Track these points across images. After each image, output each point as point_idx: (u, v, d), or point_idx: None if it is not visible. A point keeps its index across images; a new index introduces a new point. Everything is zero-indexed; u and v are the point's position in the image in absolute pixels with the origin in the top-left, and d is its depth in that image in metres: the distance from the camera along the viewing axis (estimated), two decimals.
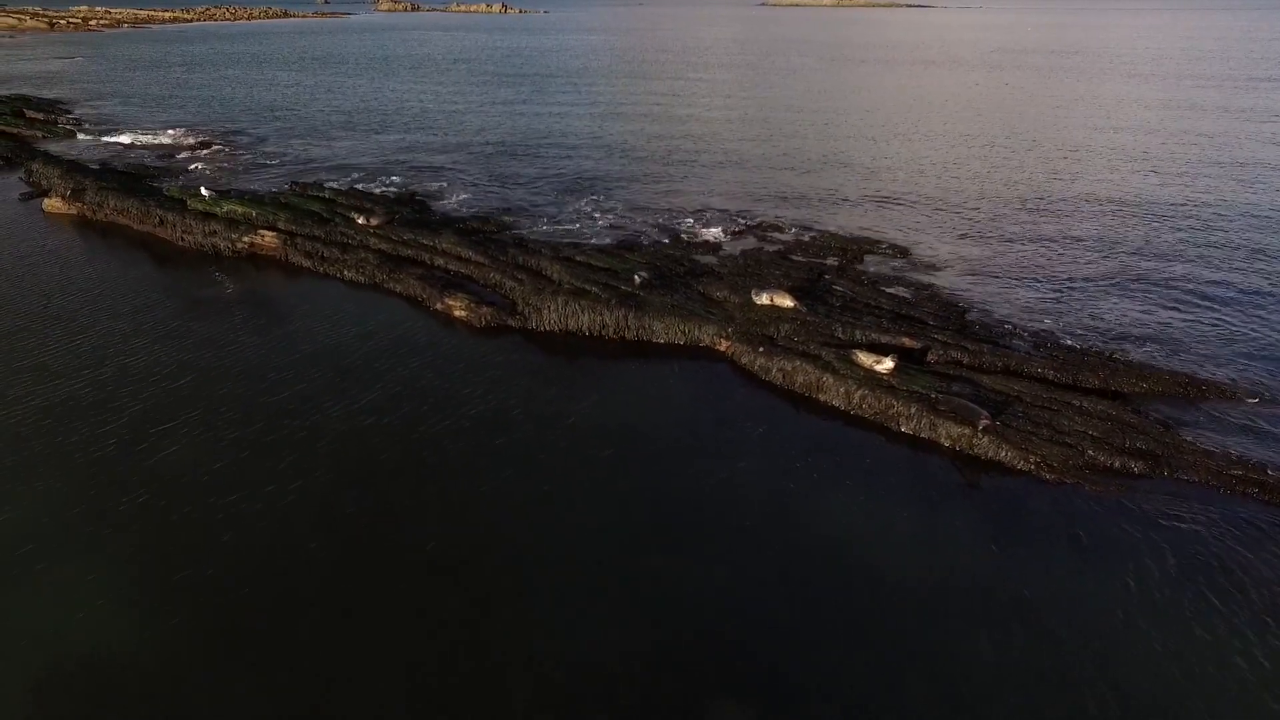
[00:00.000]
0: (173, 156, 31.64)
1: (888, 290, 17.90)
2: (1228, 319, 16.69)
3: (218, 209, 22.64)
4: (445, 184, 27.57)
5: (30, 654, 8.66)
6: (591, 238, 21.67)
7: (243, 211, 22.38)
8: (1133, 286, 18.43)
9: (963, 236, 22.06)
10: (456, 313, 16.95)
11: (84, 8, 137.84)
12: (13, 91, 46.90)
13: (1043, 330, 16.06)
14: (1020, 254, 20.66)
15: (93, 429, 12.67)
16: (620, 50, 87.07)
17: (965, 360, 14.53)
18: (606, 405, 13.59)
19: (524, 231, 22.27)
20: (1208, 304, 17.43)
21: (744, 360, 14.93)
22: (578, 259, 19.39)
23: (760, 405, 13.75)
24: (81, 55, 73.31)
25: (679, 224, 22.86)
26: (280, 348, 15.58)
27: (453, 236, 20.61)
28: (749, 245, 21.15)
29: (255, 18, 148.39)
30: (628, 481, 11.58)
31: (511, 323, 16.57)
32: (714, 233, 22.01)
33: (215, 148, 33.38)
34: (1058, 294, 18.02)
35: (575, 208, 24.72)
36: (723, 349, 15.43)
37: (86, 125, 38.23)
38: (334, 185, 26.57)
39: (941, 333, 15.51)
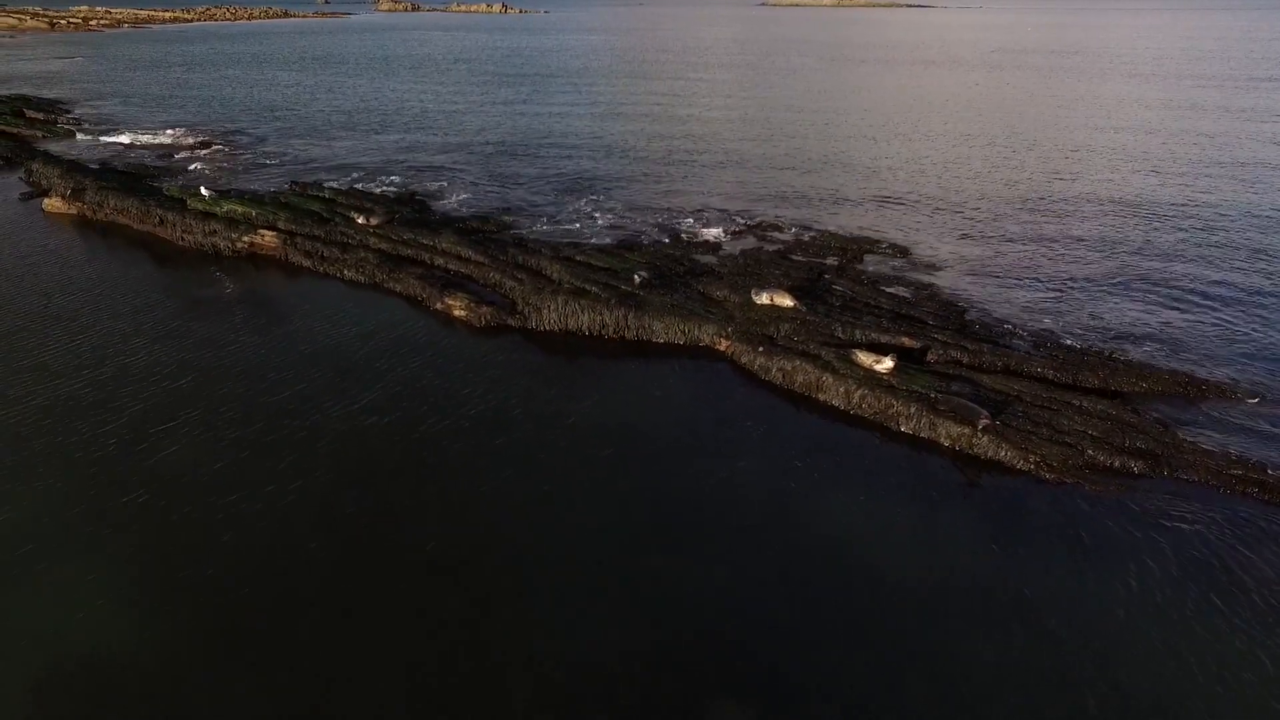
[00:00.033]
0: (172, 156, 31.64)
1: (887, 290, 17.90)
2: (1228, 319, 16.68)
3: (218, 209, 22.64)
4: (445, 184, 27.57)
5: (30, 654, 8.66)
6: (591, 237, 21.67)
7: (243, 211, 22.38)
8: (1133, 286, 18.43)
9: (963, 236, 22.06)
10: (456, 312, 16.95)
11: (84, 8, 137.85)
12: (13, 91, 46.90)
13: (1042, 330, 16.05)
14: (1020, 254, 20.66)
15: (93, 429, 12.67)
16: (620, 50, 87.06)
17: (965, 360, 14.53)
18: (606, 405, 13.59)
19: (524, 231, 22.27)
20: (1208, 304, 17.42)
21: (744, 360, 14.92)
22: (577, 258, 19.39)
23: (760, 405, 13.75)
24: (82, 55, 73.31)
25: (679, 223, 22.86)
26: (280, 347, 15.58)
27: (452, 236, 20.61)
28: (749, 245, 21.15)
29: (255, 18, 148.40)
30: (628, 481, 11.58)
31: (511, 322, 16.56)
32: (714, 232, 22.00)
33: (215, 147, 33.38)
34: (1057, 294, 18.02)
35: (575, 207, 24.72)
36: (722, 348, 15.43)
37: (86, 125, 38.23)
38: (334, 185, 26.58)
39: (941, 332, 15.51)
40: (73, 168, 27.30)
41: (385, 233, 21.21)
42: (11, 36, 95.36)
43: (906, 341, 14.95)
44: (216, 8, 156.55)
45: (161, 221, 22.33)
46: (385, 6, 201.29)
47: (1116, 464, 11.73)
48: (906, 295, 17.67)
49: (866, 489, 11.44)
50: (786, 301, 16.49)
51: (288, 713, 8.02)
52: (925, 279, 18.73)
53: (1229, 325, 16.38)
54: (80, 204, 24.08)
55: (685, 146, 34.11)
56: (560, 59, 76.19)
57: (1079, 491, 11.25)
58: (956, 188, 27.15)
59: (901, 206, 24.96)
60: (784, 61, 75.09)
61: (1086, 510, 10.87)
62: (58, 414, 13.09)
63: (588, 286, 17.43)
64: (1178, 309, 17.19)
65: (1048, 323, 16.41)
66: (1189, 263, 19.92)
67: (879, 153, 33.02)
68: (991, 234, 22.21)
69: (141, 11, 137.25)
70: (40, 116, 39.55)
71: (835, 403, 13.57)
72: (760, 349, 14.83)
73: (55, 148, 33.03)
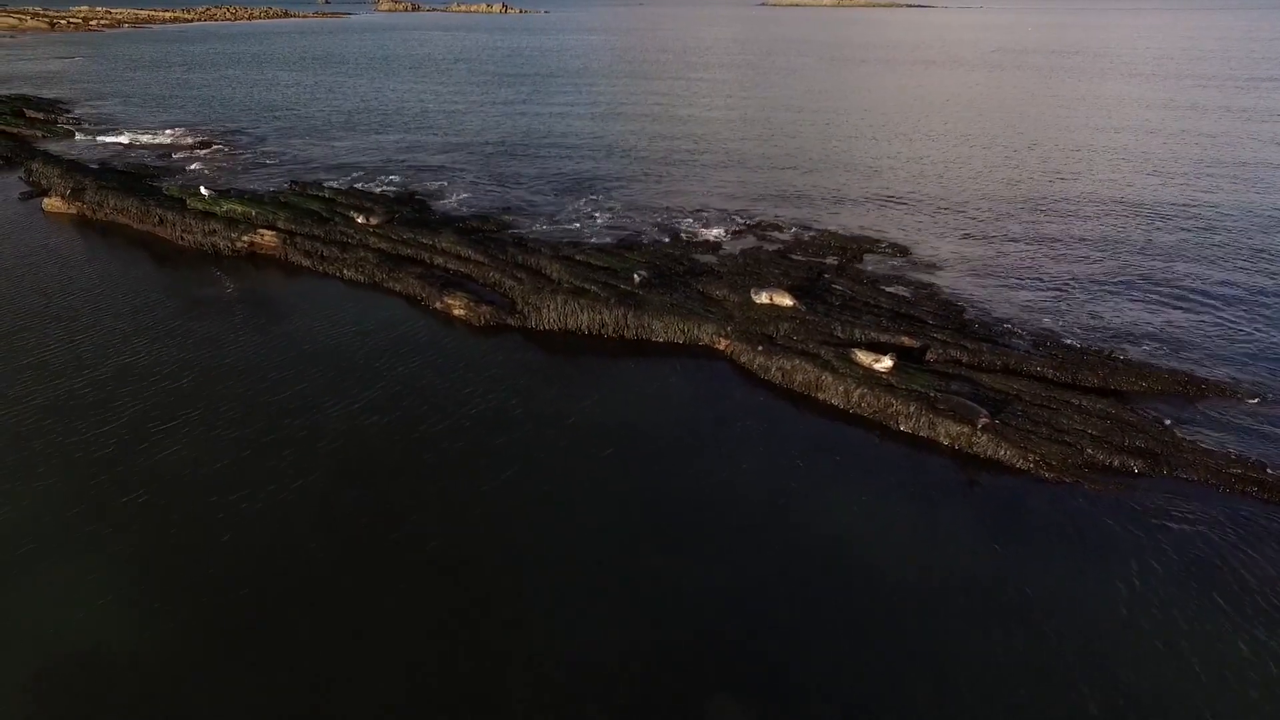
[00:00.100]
0: (172, 156, 31.64)
1: (887, 289, 17.90)
2: (1228, 318, 16.68)
3: (217, 208, 22.65)
4: (445, 183, 27.57)
5: (30, 653, 8.66)
6: (591, 237, 21.67)
7: (242, 211, 22.39)
8: (1133, 286, 18.43)
9: (963, 236, 22.05)
10: (456, 311, 16.95)
11: (84, 8, 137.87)
12: (13, 91, 46.91)
13: (1042, 329, 16.05)
14: (1020, 253, 20.65)
15: (93, 428, 12.67)
16: (620, 50, 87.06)
17: (964, 359, 14.53)
18: (606, 404, 13.60)
19: (523, 230, 22.27)
20: (1208, 303, 17.42)
21: (743, 359, 14.93)
22: (577, 258, 19.39)
23: (759, 404, 13.75)
24: (82, 55, 73.33)
25: (678, 223, 22.86)
26: (280, 347, 15.59)
27: (452, 235, 20.61)
28: (748, 244, 21.15)
29: (256, 18, 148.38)
30: (628, 481, 11.58)
31: (511, 322, 16.57)
32: (713, 232, 22.00)
33: (215, 147, 33.38)
34: (1057, 293, 18.01)
35: (575, 207, 24.72)
36: (722, 348, 15.43)
37: (86, 125, 38.24)
38: (333, 184, 26.58)
39: (941, 331, 15.51)
40: (72, 167, 27.32)
41: (385, 232, 21.21)
42: (12, 36, 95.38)
43: (906, 341, 14.96)
44: (216, 8, 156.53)
45: (161, 221, 22.34)
46: (385, 6, 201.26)
47: (1116, 463, 11.73)
48: (906, 294, 17.67)
49: (866, 488, 11.44)
50: (786, 301, 16.49)
51: (288, 713, 8.02)
52: (925, 278, 18.73)
53: (1229, 325, 16.38)
54: (80, 204, 24.09)
55: (685, 146, 34.11)
56: (560, 59, 76.19)
57: (1078, 490, 11.26)
58: (957, 187, 27.15)
59: (901, 206, 24.96)
60: (784, 61, 75.09)
61: (1086, 509, 10.87)
62: (58, 413, 13.10)
63: (587, 286, 17.43)
64: (1178, 308, 17.19)
65: (1047, 322, 16.41)
66: (1190, 262, 19.92)
67: (879, 152, 33.02)
68: (991, 233, 22.21)
69: (141, 11, 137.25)
70: (40, 116, 39.56)
71: (835, 402, 13.58)
72: (760, 348, 14.83)
73: (55, 147, 33.04)
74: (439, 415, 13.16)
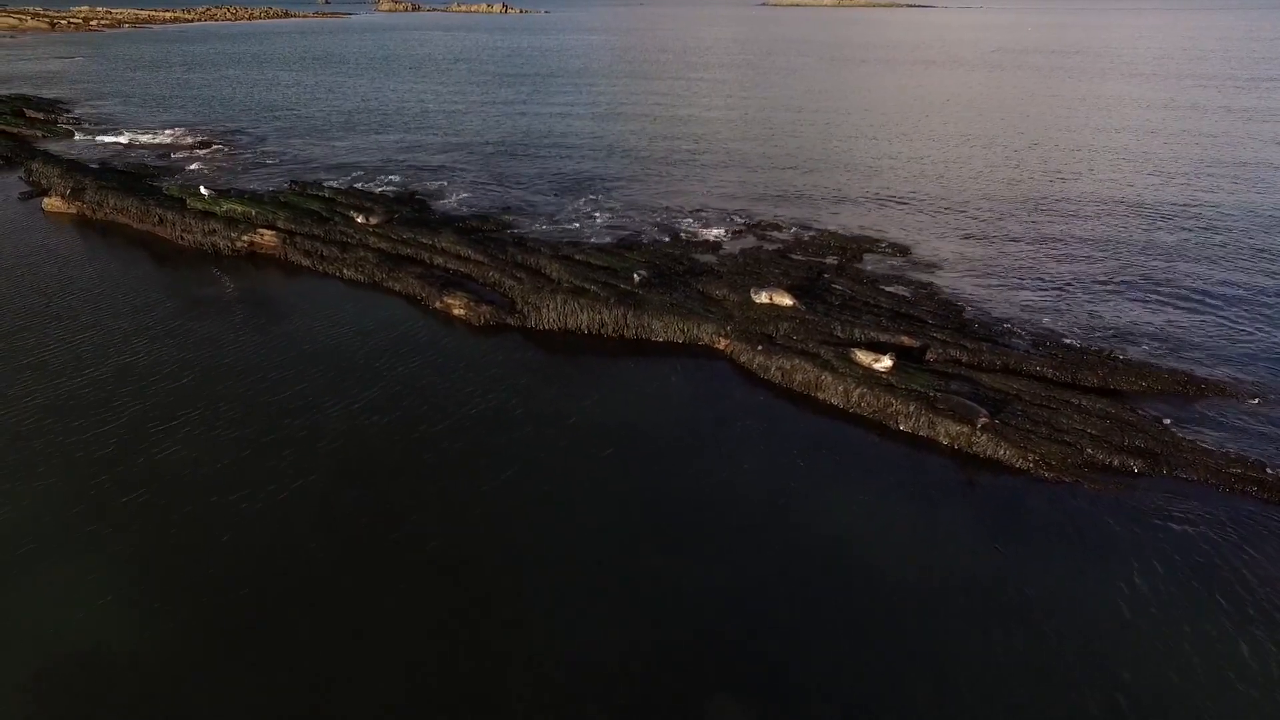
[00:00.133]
0: (172, 156, 31.64)
1: (887, 289, 17.90)
2: (1228, 318, 16.68)
3: (217, 208, 22.65)
4: (445, 183, 27.58)
5: (30, 653, 8.66)
6: (591, 236, 21.67)
7: (242, 210, 22.39)
8: (1132, 285, 18.42)
9: (963, 235, 22.05)
10: (455, 311, 16.95)
11: (85, 8, 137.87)
12: (13, 91, 46.90)
13: (1042, 328, 16.05)
14: (1020, 253, 20.65)
15: (93, 427, 12.68)
16: (620, 50, 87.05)
17: (964, 359, 14.53)
18: (606, 404, 13.60)
19: (523, 230, 22.27)
20: (1208, 303, 17.42)
21: (743, 359, 14.93)
22: (577, 258, 19.39)
23: (759, 403, 13.75)
24: (82, 55, 73.33)
25: (678, 223, 22.86)
26: (280, 346, 15.59)
27: (452, 235, 20.61)
28: (748, 244, 21.15)
29: (256, 18, 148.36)
30: (628, 481, 11.58)
31: (510, 321, 16.57)
32: (713, 231, 22.00)
33: (215, 147, 33.38)
34: (1057, 293, 18.01)
35: (574, 207, 24.72)
36: (722, 347, 15.43)
37: (86, 125, 38.24)
38: (333, 184, 26.58)
39: (940, 331, 15.51)
40: (72, 167, 27.32)
41: (385, 232, 21.21)
42: (12, 36, 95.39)
43: (906, 340, 14.96)
44: (217, 8, 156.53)
45: (161, 221, 22.34)
46: (385, 6, 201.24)
47: (1115, 462, 11.73)
48: (906, 294, 17.67)
49: (865, 488, 11.44)
50: (786, 300, 16.49)
51: (288, 713, 8.02)
52: (924, 278, 18.73)
53: (1229, 325, 16.38)
54: (80, 203, 24.09)
55: (685, 146, 34.10)
56: (560, 59, 76.18)
57: (1078, 490, 11.26)
58: (957, 187, 27.14)
59: (901, 206, 24.96)
60: (784, 61, 75.08)
61: (1085, 509, 10.87)
62: (58, 413, 13.10)
63: (587, 285, 17.43)
64: (1178, 308, 17.19)
65: (1047, 321, 16.41)
66: (1190, 262, 19.92)
67: (879, 152, 33.02)
68: (992, 233, 22.21)
69: (142, 11, 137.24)
70: (40, 116, 39.56)
71: (834, 401, 13.58)
72: (759, 348, 14.84)
73: (55, 147, 33.04)
74: (439, 415, 13.16)
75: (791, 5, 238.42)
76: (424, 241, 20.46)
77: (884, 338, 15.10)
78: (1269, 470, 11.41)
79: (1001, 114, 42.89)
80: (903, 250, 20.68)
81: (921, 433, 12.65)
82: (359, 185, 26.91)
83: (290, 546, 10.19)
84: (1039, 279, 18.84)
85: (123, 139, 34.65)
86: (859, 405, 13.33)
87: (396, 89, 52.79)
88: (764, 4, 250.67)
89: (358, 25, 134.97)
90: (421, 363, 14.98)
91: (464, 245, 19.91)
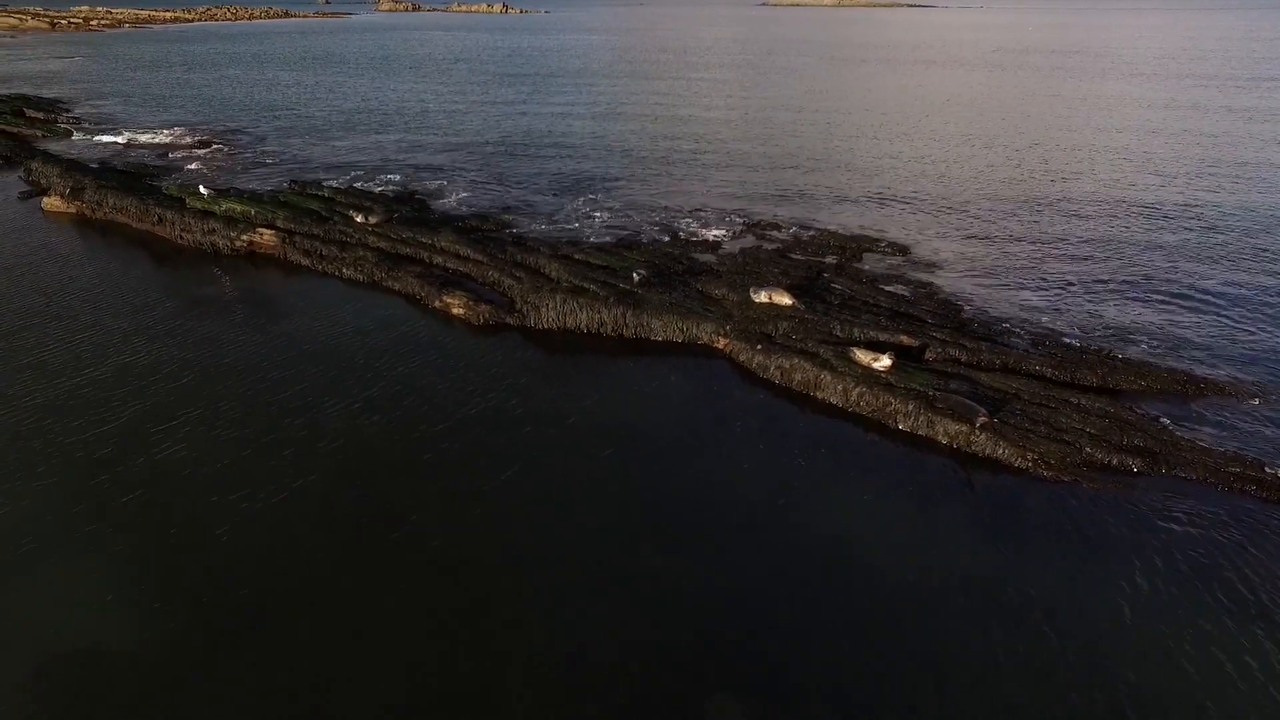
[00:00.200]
0: (171, 155, 31.64)
1: (886, 288, 17.90)
2: (1228, 318, 16.68)
3: (217, 207, 22.65)
4: (444, 183, 27.58)
5: (30, 652, 8.67)
6: (590, 236, 21.67)
7: (242, 210, 22.39)
8: (1132, 285, 18.43)
9: (962, 235, 22.05)
10: (455, 310, 16.96)
11: (85, 8, 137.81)
12: (13, 91, 46.90)
13: (1041, 328, 16.05)
14: (1020, 252, 20.65)
15: (93, 427, 12.68)
16: (620, 50, 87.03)
17: (963, 358, 14.53)
18: (605, 403, 13.60)
19: (523, 230, 22.27)
20: (1208, 303, 17.42)
21: (742, 358, 14.93)
22: (576, 257, 19.40)
23: (758, 403, 13.75)
24: (82, 55, 73.32)
25: (678, 222, 22.86)
26: (279, 346, 15.59)
27: (451, 235, 20.61)
28: (748, 243, 21.14)
29: (256, 18, 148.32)
30: (627, 481, 11.58)
31: (510, 321, 16.57)
32: (713, 231, 22.00)
33: (215, 147, 33.38)
34: (1057, 292, 18.01)
35: (574, 206, 24.72)
36: (721, 347, 15.44)
37: (86, 124, 38.24)
38: (333, 184, 26.58)
39: (940, 330, 15.51)
40: (72, 167, 27.33)
41: (384, 231, 21.21)
42: (12, 36, 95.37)
43: (905, 339, 14.96)
44: (217, 8, 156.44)
45: (160, 220, 22.34)
46: (386, 6, 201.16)
47: (1114, 462, 11.73)
48: (905, 293, 17.67)
49: (865, 487, 11.44)
50: (785, 300, 16.49)
51: (288, 713, 8.02)
52: (924, 277, 18.73)
53: (1229, 324, 16.38)
54: (79, 203, 24.09)
55: (685, 146, 34.10)
56: (560, 59, 76.17)
57: (1077, 489, 11.26)
58: (957, 187, 27.14)
59: (901, 205, 24.96)
60: (784, 61, 75.06)
61: (1085, 508, 10.88)
62: (58, 413, 13.10)
63: (586, 285, 17.43)
64: (1178, 308, 17.19)
65: (1046, 321, 16.41)
66: (1191, 262, 19.92)
67: (879, 152, 33.01)
68: (991, 233, 22.21)
69: (142, 11, 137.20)
70: (40, 116, 39.57)
71: (833, 401, 13.58)
72: (759, 347, 14.84)
73: (55, 147, 33.04)
74: (439, 415, 13.16)
75: (791, 5, 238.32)
76: (423, 241, 20.46)
77: (883, 337, 15.11)
78: (1268, 469, 11.41)
79: (1002, 114, 42.88)
80: (902, 250, 20.68)
81: (920, 432, 12.65)
82: (358, 185, 26.92)
83: (290, 546, 10.19)
84: (1039, 278, 18.84)
85: (122, 139, 34.66)
86: (858, 404, 13.33)
87: (396, 89, 52.78)
88: (764, 4, 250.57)
89: (358, 25, 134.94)
90: (421, 362, 14.98)
91: (463, 244, 19.90)
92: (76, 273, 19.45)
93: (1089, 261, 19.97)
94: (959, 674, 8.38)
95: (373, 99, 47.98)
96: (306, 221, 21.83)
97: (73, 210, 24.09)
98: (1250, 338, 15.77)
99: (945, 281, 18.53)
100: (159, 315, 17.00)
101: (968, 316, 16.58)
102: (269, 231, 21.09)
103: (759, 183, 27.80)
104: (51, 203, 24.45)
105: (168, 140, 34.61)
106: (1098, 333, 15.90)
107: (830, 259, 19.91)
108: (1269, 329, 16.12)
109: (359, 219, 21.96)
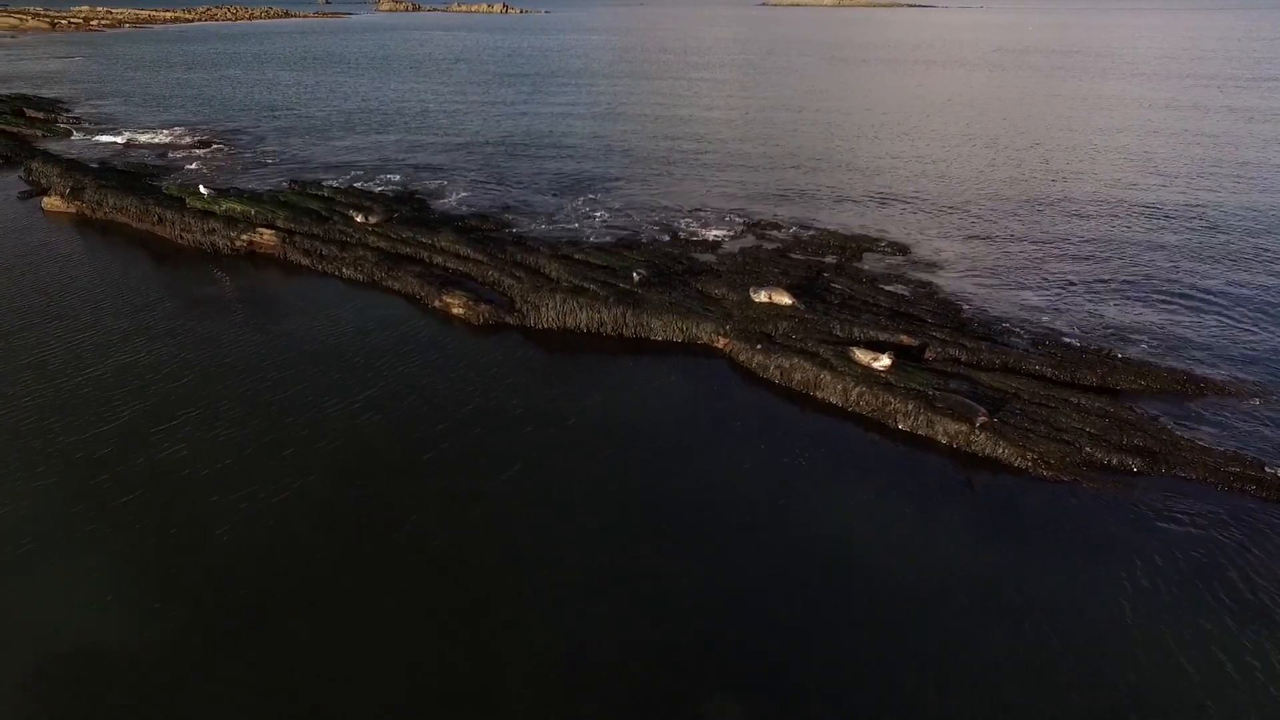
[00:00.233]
0: (171, 155, 31.64)
1: (886, 288, 17.89)
2: (1228, 318, 16.67)
3: (217, 207, 22.65)
4: (444, 182, 27.57)
5: (30, 652, 8.67)
6: (590, 236, 21.67)
7: (242, 210, 22.39)
8: (1132, 285, 18.42)
9: (963, 235, 22.05)
10: (455, 310, 16.95)
11: (85, 8, 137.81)
12: (13, 91, 46.90)
13: (1041, 327, 16.05)
14: (1020, 252, 20.65)
15: (93, 427, 12.68)
16: (620, 50, 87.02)
17: (963, 357, 14.53)
18: (605, 403, 13.60)
19: (523, 229, 22.27)
20: (1209, 303, 17.42)
21: (742, 358, 14.93)
22: (576, 257, 19.39)
23: (758, 402, 13.75)
24: (82, 55, 73.32)
25: (677, 222, 22.86)
26: (279, 346, 15.59)
27: (451, 234, 20.61)
28: (748, 243, 21.14)
29: (256, 18, 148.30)
30: (627, 480, 11.58)
31: (510, 320, 16.57)
32: (713, 231, 22.00)
33: (215, 146, 33.38)
34: (1057, 292, 18.01)
35: (574, 206, 24.71)
36: (721, 346, 15.43)
37: (86, 124, 38.25)
38: (333, 183, 26.57)
39: (939, 330, 15.51)
40: (72, 166, 27.33)
41: (384, 231, 21.21)
42: (12, 36, 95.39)
43: (905, 339, 14.96)
44: (217, 8, 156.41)
45: (160, 220, 22.34)
46: (386, 6, 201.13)
47: (1114, 461, 11.73)
48: (905, 293, 17.67)
49: (865, 487, 11.44)
50: (785, 299, 16.49)
51: (288, 713, 8.02)
52: (924, 277, 18.73)
53: (1229, 324, 16.37)
54: (79, 203, 24.09)
55: (685, 146, 34.09)
56: (560, 59, 76.17)
57: (1077, 489, 11.26)
58: (957, 187, 27.14)
59: (901, 205, 24.95)
60: (784, 61, 75.05)
61: (1085, 508, 10.87)
62: (58, 412, 13.10)
63: (586, 284, 17.43)
64: (1178, 308, 17.19)
65: (1046, 320, 16.40)
66: (1191, 262, 19.91)
67: (879, 152, 33.01)
68: (992, 233, 22.20)
69: (142, 11, 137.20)
70: (40, 116, 39.56)
71: (833, 400, 13.58)
72: (758, 347, 14.83)
73: (55, 146, 33.05)
74: (439, 415, 13.16)
75: (791, 5, 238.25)
76: (423, 240, 20.46)
77: (883, 336, 15.10)
78: (1268, 469, 11.41)
79: (1002, 114, 42.87)
80: (902, 249, 20.67)
81: (920, 431, 12.65)
82: (358, 184, 26.91)
83: (290, 546, 10.19)
84: (1039, 278, 18.84)
85: (122, 138, 34.66)
86: (858, 404, 13.33)
87: (396, 89, 52.78)
88: (764, 4, 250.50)
89: (358, 25, 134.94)
90: (421, 362, 14.98)
91: (463, 244, 19.90)
92: (76, 272, 19.45)
93: (1089, 261, 19.96)
94: (959, 674, 8.37)
95: (373, 99, 47.98)
96: (306, 221, 21.83)
97: (73, 210, 24.09)
98: (1251, 338, 15.76)
99: (945, 281, 18.53)
100: (159, 315, 17.00)
101: (968, 316, 16.58)
102: (269, 231, 21.10)
103: (759, 182, 27.80)
104: (51, 202, 24.45)
105: (167, 140, 34.61)
106: (1098, 332, 15.90)
107: (830, 259, 19.90)
108: (1269, 329, 16.11)
109: (359, 219, 21.96)
